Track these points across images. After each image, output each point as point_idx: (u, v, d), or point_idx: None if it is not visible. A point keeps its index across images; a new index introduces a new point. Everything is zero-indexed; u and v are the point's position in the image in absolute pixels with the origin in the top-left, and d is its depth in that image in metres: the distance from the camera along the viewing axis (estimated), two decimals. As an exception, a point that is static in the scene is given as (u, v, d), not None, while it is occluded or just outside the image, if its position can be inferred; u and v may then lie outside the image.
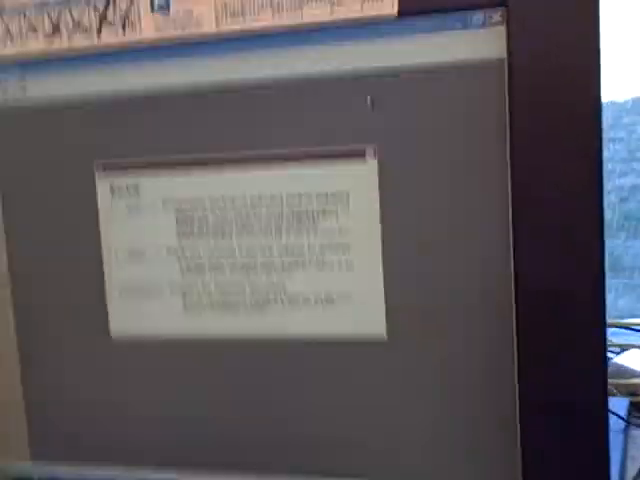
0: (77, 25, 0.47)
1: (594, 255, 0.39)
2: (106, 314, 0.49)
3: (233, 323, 0.47)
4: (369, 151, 0.43)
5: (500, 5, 0.40)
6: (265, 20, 0.44)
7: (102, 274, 0.49)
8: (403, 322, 0.43)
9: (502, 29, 0.40)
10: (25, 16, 0.48)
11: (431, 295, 0.43)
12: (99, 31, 0.47)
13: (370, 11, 0.42)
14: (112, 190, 0.48)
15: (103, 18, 0.47)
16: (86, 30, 0.47)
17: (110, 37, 0.47)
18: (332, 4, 0.43)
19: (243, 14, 0.44)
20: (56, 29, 0.48)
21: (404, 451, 0.45)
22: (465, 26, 0.41)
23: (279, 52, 0.44)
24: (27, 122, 0.50)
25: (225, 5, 0.44)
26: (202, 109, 0.46)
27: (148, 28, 0.46)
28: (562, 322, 0.40)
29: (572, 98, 0.39)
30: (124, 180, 0.48)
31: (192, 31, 0.45)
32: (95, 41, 0.47)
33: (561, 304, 0.40)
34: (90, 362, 0.50)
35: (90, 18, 0.47)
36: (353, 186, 0.44)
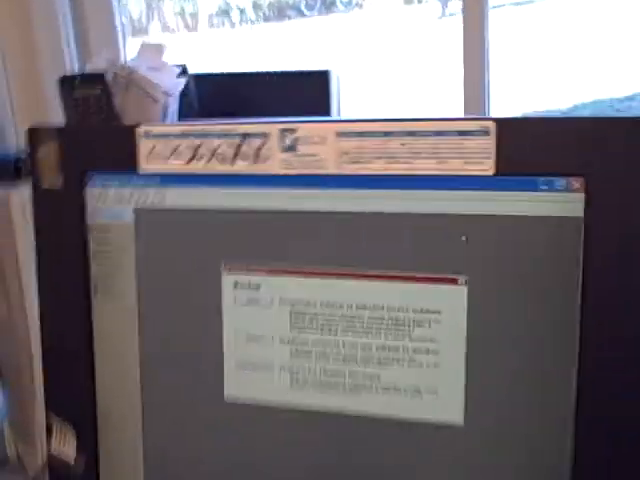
0: (213, 154, 0.56)
1: None
2: (222, 383, 0.59)
3: (331, 401, 0.57)
4: (461, 279, 0.53)
5: (579, 175, 0.50)
6: (378, 169, 0.53)
7: (222, 351, 0.59)
8: (477, 414, 0.54)
9: (581, 195, 0.50)
10: (169, 140, 0.57)
11: (502, 395, 0.53)
12: (233, 161, 0.56)
13: (471, 170, 0.51)
14: (235, 285, 0.58)
15: (238, 151, 0.56)
16: (222, 159, 0.56)
17: (242, 167, 0.56)
18: (438, 162, 0.52)
19: (360, 162, 0.53)
20: (195, 154, 0.57)
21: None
22: (550, 188, 0.51)
23: (390, 192, 0.53)
24: (164, 224, 0.59)
25: (345, 153, 0.54)
26: (320, 230, 0.56)
27: (276, 164, 0.55)
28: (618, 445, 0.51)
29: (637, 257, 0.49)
30: (247, 278, 0.58)
31: (315, 171, 0.54)
32: (229, 168, 0.56)
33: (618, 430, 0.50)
34: (205, 420, 0.60)
35: (226, 150, 0.56)
36: (445, 305, 0.54)
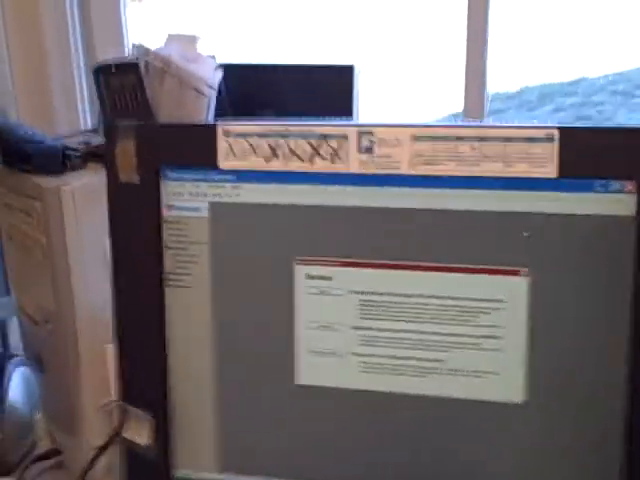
0: (292, 153, 0.60)
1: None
2: (293, 369, 0.64)
3: (399, 385, 0.62)
4: (523, 271, 0.58)
5: (632, 178, 0.55)
6: (449, 170, 0.58)
7: (293, 339, 0.63)
8: (536, 393, 0.60)
9: (634, 196, 0.56)
10: (247, 140, 0.61)
11: (559, 376, 0.59)
12: (311, 160, 0.60)
13: (535, 173, 0.56)
14: (308, 276, 0.62)
15: (316, 151, 0.60)
16: (300, 158, 0.60)
17: (321, 165, 0.60)
18: (505, 164, 0.57)
19: (433, 163, 0.58)
20: (274, 153, 0.61)
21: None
22: (606, 190, 0.56)
23: (459, 192, 0.58)
24: (240, 218, 0.63)
25: (419, 154, 0.58)
26: (391, 225, 0.60)
27: (354, 164, 0.59)
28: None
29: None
30: (319, 270, 0.62)
31: (390, 171, 0.59)
32: (307, 167, 0.60)
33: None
34: (276, 402, 0.65)
35: (304, 149, 0.60)
36: (507, 294, 0.59)
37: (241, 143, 0.62)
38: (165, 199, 0.64)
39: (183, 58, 0.85)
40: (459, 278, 0.60)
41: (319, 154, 0.60)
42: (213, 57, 0.89)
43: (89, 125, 1.24)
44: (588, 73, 4.55)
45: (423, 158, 0.59)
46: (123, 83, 0.87)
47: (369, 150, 0.59)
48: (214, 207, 0.64)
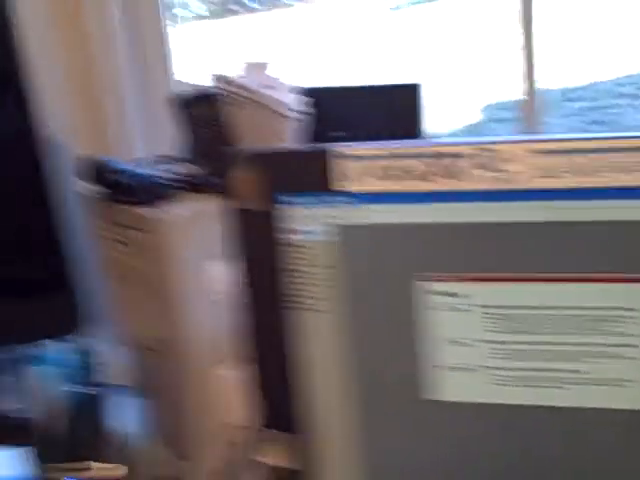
0: (414, 173, 0.62)
1: None
2: (418, 382, 0.65)
3: (535, 396, 0.63)
4: (657, 276, 0.60)
5: None
6: (568, 182, 0.59)
7: (423, 354, 0.64)
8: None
9: None
10: (369, 162, 0.62)
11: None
12: (433, 179, 0.61)
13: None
14: (435, 292, 0.63)
15: (439, 170, 0.61)
16: (422, 177, 0.61)
17: (443, 184, 0.61)
18: (625, 174, 0.58)
19: (551, 176, 0.60)
20: (395, 174, 0.62)
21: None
22: None
23: (579, 203, 0.60)
24: (362, 240, 0.64)
25: (539, 168, 0.60)
26: (512, 239, 0.61)
27: (473, 181, 0.60)
28: None
29: None
30: (446, 286, 0.63)
31: (509, 186, 0.60)
32: (429, 186, 0.61)
33: None
34: (404, 419, 0.66)
35: (427, 169, 0.61)
36: (641, 302, 0.60)
37: (367, 165, 0.63)
38: (284, 224, 0.66)
39: (259, 85, 0.87)
40: (596, 288, 0.60)
41: (442, 173, 0.62)
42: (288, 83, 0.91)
43: (140, 152, 1.26)
44: (596, 78, 4.59)
45: (541, 172, 0.60)
46: (204, 113, 0.89)
47: (488, 166, 0.61)
48: (334, 230, 0.65)
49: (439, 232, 0.63)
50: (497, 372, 0.63)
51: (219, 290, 0.84)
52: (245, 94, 0.86)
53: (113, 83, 1.21)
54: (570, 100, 4.54)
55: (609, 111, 4.31)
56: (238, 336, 0.68)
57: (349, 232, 0.64)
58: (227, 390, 0.89)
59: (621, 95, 4.51)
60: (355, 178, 0.63)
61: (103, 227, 0.83)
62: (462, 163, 0.61)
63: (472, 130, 4.39)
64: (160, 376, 0.83)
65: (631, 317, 0.60)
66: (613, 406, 0.62)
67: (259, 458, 0.68)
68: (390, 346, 0.65)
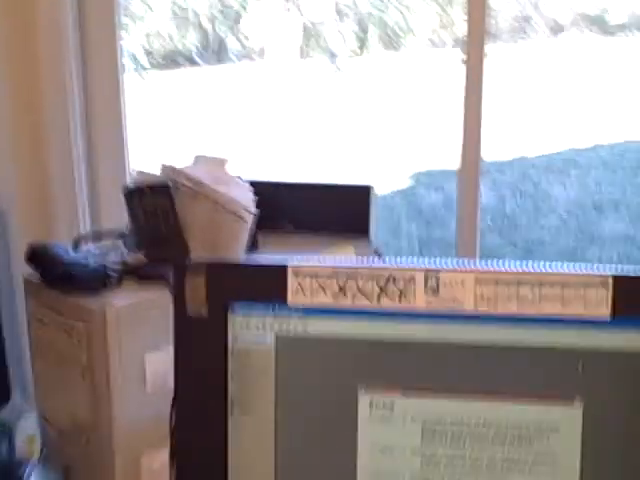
0: (361, 293, 0.64)
1: None
2: (355, 492, 0.67)
3: (458, 507, 0.66)
4: (577, 399, 0.63)
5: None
6: (511, 310, 0.63)
7: (355, 463, 0.66)
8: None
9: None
10: (317, 280, 0.65)
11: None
12: (378, 299, 0.64)
13: (591, 312, 0.62)
14: (371, 404, 0.66)
15: (383, 290, 0.64)
16: (368, 298, 0.64)
17: (388, 304, 0.64)
18: (563, 307, 0.62)
19: (495, 304, 0.63)
20: (342, 293, 0.64)
21: None
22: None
23: (518, 329, 0.63)
24: (305, 350, 0.66)
25: (482, 295, 0.63)
26: (451, 357, 0.64)
27: (420, 303, 0.64)
28: None
29: None
30: (382, 398, 0.66)
31: (455, 310, 0.63)
32: (374, 305, 0.64)
33: None
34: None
35: (372, 288, 0.64)
36: (562, 421, 0.64)
37: (310, 282, 0.65)
38: (232, 331, 0.67)
39: (214, 180, 0.88)
40: (518, 407, 0.64)
41: (386, 294, 0.64)
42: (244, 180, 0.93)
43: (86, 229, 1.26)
44: (525, 153, 4.76)
45: (485, 299, 0.63)
46: (155, 204, 0.90)
47: (435, 291, 0.64)
48: (280, 340, 0.67)
49: (380, 347, 0.65)
50: (426, 482, 0.66)
51: (157, 382, 0.84)
52: (196, 188, 0.88)
53: (63, 163, 1.21)
54: (501, 172, 4.70)
55: (537, 184, 4.47)
56: (170, 430, 0.68)
57: (290, 342, 0.66)
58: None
59: (550, 170, 4.69)
60: (308, 294, 0.65)
61: (42, 312, 0.83)
62: (411, 287, 0.63)
63: (401, 193, 4.48)
64: (86, 460, 0.82)
65: (554, 436, 0.64)
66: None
67: None
68: (325, 455, 0.67)
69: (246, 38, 6.44)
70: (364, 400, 0.66)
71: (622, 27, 6.39)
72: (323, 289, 0.65)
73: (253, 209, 0.85)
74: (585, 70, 6.21)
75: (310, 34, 6.49)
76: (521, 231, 3.96)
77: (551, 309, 0.63)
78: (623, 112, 5.55)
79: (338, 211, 0.98)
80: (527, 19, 6.50)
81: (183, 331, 0.67)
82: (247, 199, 0.85)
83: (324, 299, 0.65)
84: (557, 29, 6.63)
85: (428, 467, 0.66)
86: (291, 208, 0.99)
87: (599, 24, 6.52)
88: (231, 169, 0.92)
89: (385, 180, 4.38)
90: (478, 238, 1.48)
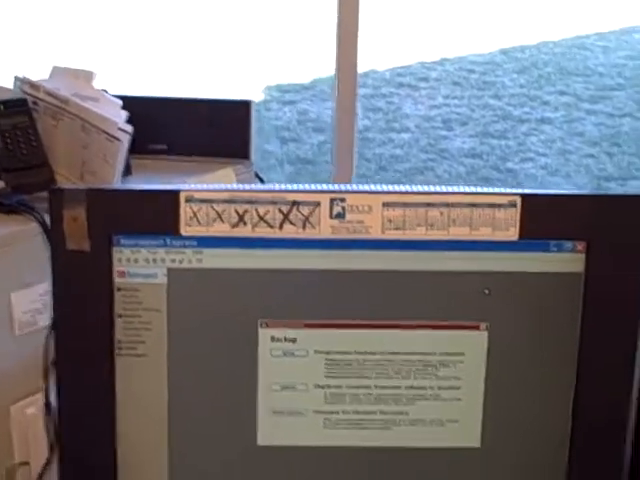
0: (261, 219, 0.59)
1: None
2: (255, 429, 0.63)
3: (363, 438, 0.64)
4: (482, 325, 0.62)
5: (583, 239, 0.60)
6: (419, 234, 0.60)
7: (255, 400, 0.63)
8: (491, 438, 0.64)
9: (583, 255, 0.61)
10: (213, 207, 0.59)
11: (512, 422, 0.63)
12: (281, 226, 0.59)
13: (499, 236, 0.60)
14: (272, 339, 0.62)
15: (287, 217, 0.59)
16: (270, 224, 0.59)
17: (291, 232, 0.59)
18: (471, 228, 0.60)
19: (404, 228, 0.60)
20: (242, 219, 0.59)
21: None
22: (559, 249, 0.61)
23: (426, 254, 0.60)
24: (200, 284, 0.61)
25: (390, 220, 0.59)
26: (357, 286, 0.61)
27: (325, 230, 0.59)
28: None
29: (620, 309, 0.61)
30: (283, 332, 0.62)
31: (361, 236, 0.60)
32: (276, 233, 0.59)
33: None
34: (238, 466, 0.64)
35: (274, 215, 0.59)
36: (468, 348, 0.62)
37: (206, 209, 0.60)
38: (118, 266, 0.61)
39: (80, 96, 0.79)
40: (422, 334, 0.62)
41: (289, 220, 0.60)
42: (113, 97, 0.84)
43: None
44: (376, 66, 4.76)
45: (393, 223, 0.60)
46: (11, 123, 0.80)
47: (341, 216, 0.60)
48: (173, 274, 0.61)
49: (281, 278, 0.61)
50: (329, 416, 0.64)
51: (26, 323, 0.77)
52: (59, 104, 0.79)
53: None
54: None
55: (388, 99, 4.51)
56: (43, 372, 0.62)
57: (183, 276, 0.61)
58: (28, 429, 0.82)
59: (400, 85, 4.73)
60: (203, 222, 0.59)
61: None
62: (316, 212, 0.59)
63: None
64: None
65: (458, 361, 0.63)
66: (434, 445, 0.64)
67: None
68: (222, 393, 0.63)
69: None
70: (264, 335, 0.62)
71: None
72: (220, 217, 0.60)
73: (129, 128, 0.77)
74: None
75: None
76: (374, 147, 3.99)
77: (460, 232, 0.61)
78: (469, 26, 5.67)
79: (215, 130, 0.92)
80: None
81: (62, 268, 0.60)
82: (121, 117, 0.77)
83: (221, 228, 0.60)
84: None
85: (332, 401, 0.63)
86: (164, 127, 0.91)
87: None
88: (97, 83, 0.83)
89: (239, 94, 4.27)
90: (355, 154, 1.44)
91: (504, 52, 5.36)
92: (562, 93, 4.74)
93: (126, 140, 0.75)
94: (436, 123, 4.26)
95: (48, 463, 0.79)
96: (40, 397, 0.72)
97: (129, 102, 0.89)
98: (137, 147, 0.88)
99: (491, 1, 6.08)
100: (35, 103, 0.80)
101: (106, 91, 0.84)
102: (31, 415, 0.79)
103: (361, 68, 1.54)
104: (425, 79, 4.79)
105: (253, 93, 4.43)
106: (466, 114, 4.39)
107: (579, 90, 4.79)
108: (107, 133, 0.75)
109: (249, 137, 0.91)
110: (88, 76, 0.82)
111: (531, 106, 4.56)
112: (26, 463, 0.83)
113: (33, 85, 0.80)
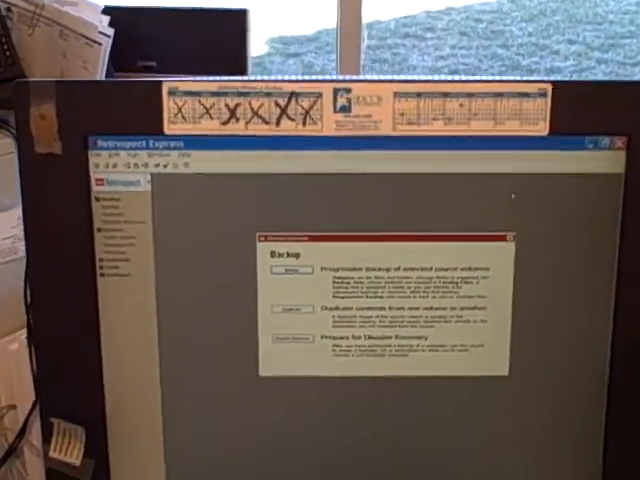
0: (255, 114, 0.52)
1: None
2: (257, 359, 0.56)
3: (377, 367, 0.57)
4: (509, 235, 0.55)
5: (623, 135, 0.53)
6: (436, 130, 0.52)
7: (256, 325, 0.56)
8: (521, 365, 0.57)
9: (623, 152, 0.53)
10: (200, 100, 0.51)
11: (544, 346, 0.56)
12: (278, 122, 0.52)
13: (527, 131, 0.52)
14: (272, 254, 0.55)
15: (284, 111, 0.52)
16: (265, 121, 0.52)
17: (289, 128, 0.52)
18: (495, 122, 0.52)
19: (418, 122, 0.52)
20: (233, 114, 0.52)
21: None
22: (595, 147, 0.53)
23: (445, 153, 0.53)
24: (189, 191, 0.53)
25: (402, 114, 0.52)
26: (366, 193, 0.54)
27: (328, 126, 0.52)
28: None
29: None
30: (285, 246, 0.55)
31: (370, 132, 0.52)
32: (273, 131, 0.52)
33: None
34: (238, 400, 0.57)
35: (270, 110, 0.52)
36: (493, 262, 0.55)
37: (192, 103, 0.52)
38: (95, 172, 0.54)
39: (58, 2, 0.72)
40: (441, 247, 0.55)
41: (287, 115, 0.52)
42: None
43: None
44: (380, 16, 4.64)
45: (406, 117, 0.53)
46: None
47: (346, 109, 0.52)
48: (157, 180, 0.54)
49: (280, 184, 0.54)
50: (339, 342, 0.57)
51: (6, 250, 0.70)
52: (33, 9, 0.71)
53: None
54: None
55: (394, 51, 4.39)
56: (25, 305, 0.56)
57: (169, 182, 0.54)
58: (12, 368, 0.76)
59: (406, 36, 4.61)
60: (189, 118, 0.52)
61: None
62: (318, 105, 0.52)
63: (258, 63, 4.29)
64: None
65: (482, 277, 0.56)
66: (457, 374, 0.57)
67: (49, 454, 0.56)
68: (218, 316, 0.56)
69: None
70: (264, 250, 0.55)
71: None
72: (208, 112, 0.52)
73: (110, 31, 0.70)
74: None
75: None
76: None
77: (482, 127, 0.53)
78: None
79: (208, 44, 0.84)
80: None
81: (31, 176, 0.53)
82: (101, 21, 0.70)
83: (210, 125, 0.53)
84: None
85: (341, 325, 0.56)
86: (153, 41, 0.84)
87: None
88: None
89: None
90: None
91: (512, 0, 5.22)
92: (571, 42, 4.62)
93: (107, 44, 0.68)
94: (443, 75, 4.15)
95: (35, 406, 0.73)
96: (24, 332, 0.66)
97: (114, 13, 0.82)
98: (124, 64, 0.80)
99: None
100: (9, 10, 0.73)
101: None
102: (14, 352, 0.73)
103: (365, 18, 1.47)
104: (431, 29, 4.66)
105: (255, 46, 4.32)
106: (474, 64, 4.27)
107: (589, 38, 4.66)
108: (86, 37, 0.68)
109: (246, 51, 0.83)
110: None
111: (540, 55, 4.44)
112: (13, 406, 0.77)
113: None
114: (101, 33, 0.69)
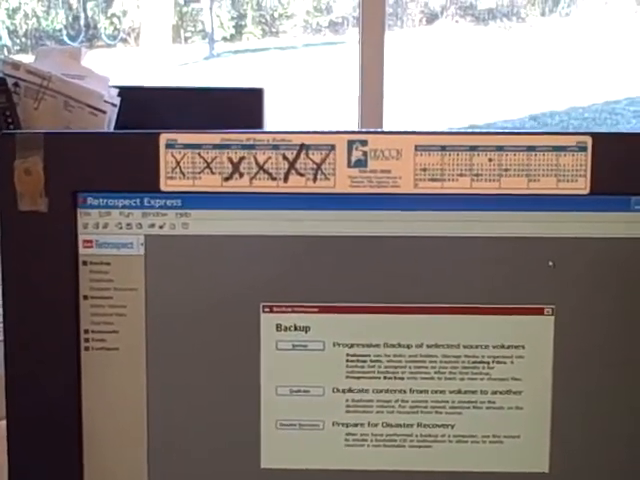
0: (261, 169, 0.47)
1: None
2: (259, 446, 0.49)
3: (396, 459, 0.50)
4: (547, 309, 0.48)
5: (673, 195, 0.47)
6: (462, 188, 0.47)
7: (258, 409, 0.49)
8: (564, 460, 0.49)
9: (674, 215, 0.47)
10: (202, 152, 0.47)
11: (591, 438, 0.49)
12: (286, 178, 0.47)
13: (565, 189, 0.47)
14: (278, 328, 0.49)
15: (293, 166, 0.47)
16: (271, 176, 0.47)
17: (298, 185, 0.47)
18: (529, 179, 0.47)
19: (442, 179, 0.47)
20: (237, 170, 0.47)
21: None
22: (643, 209, 0.48)
23: (471, 214, 0.48)
24: (187, 256, 0.48)
25: (424, 170, 0.47)
26: (386, 258, 0.48)
27: (342, 182, 0.47)
28: None
29: None
30: (293, 318, 0.49)
31: (388, 190, 0.47)
32: (280, 187, 0.47)
33: None
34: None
35: (278, 163, 0.47)
36: (529, 338, 0.48)
37: (191, 157, 0.48)
38: (84, 233, 0.49)
39: (65, 75, 0.69)
40: (470, 321, 0.48)
41: (296, 170, 0.47)
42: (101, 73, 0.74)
43: None
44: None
45: (428, 173, 0.48)
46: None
47: (361, 164, 0.47)
48: (151, 242, 0.49)
49: (289, 248, 0.48)
50: (352, 429, 0.49)
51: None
52: (40, 82, 0.68)
53: None
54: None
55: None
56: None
57: (165, 245, 0.48)
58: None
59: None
60: (188, 174, 0.47)
61: None
62: (330, 159, 0.47)
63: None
64: None
65: (517, 356, 0.49)
66: (489, 469, 0.50)
67: None
68: (216, 398, 0.49)
69: (119, 20, 6.13)
70: (268, 322, 0.49)
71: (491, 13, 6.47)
72: (209, 167, 0.48)
73: (116, 100, 0.67)
74: (460, 57, 6.25)
75: (186, 17, 6.26)
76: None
77: (514, 185, 0.48)
78: (496, 96, 5.61)
79: (224, 122, 0.81)
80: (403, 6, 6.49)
81: (12, 236, 0.48)
82: (108, 91, 0.67)
83: (211, 181, 0.48)
84: (432, 17, 6.65)
85: (356, 410, 0.49)
86: (169, 120, 0.81)
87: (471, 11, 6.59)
88: (89, 62, 0.73)
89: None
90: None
91: (534, 118, 5.27)
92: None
93: (112, 112, 0.65)
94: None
95: None
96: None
97: (130, 93, 0.79)
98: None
99: (519, 67, 6.04)
100: (16, 85, 0.70)
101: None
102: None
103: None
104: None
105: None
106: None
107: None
108: (91, 106, 0.65)
109: (262, 121, 0.80)
110: (75, 53, 0.72)
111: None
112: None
113: (14, 64, 0.71)
114: (107, 102, 0.65)
